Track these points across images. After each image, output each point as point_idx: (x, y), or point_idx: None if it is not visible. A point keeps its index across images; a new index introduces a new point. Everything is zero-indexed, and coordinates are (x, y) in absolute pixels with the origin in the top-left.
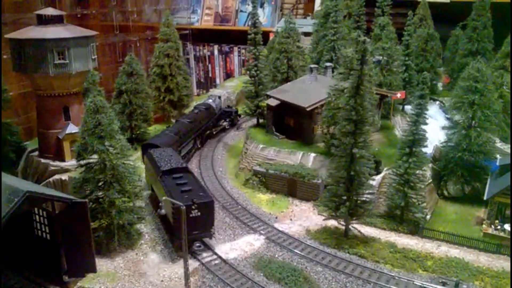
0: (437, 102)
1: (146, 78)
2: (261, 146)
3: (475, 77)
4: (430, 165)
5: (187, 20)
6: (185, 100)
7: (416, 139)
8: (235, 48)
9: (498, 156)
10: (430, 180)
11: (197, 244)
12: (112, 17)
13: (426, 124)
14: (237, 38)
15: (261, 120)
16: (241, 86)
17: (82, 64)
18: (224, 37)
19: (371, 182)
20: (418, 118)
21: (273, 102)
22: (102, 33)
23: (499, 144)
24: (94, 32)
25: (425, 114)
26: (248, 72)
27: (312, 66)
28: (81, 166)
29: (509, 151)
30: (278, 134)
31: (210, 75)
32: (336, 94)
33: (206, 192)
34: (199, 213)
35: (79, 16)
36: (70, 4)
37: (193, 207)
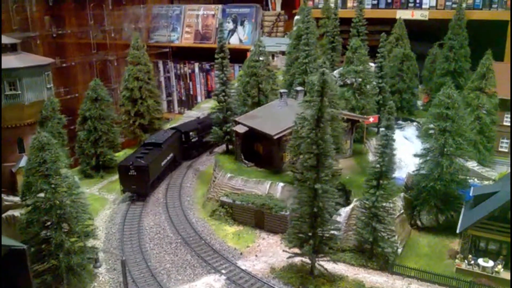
0: (415, 123)
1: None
2: (228, 175)
3: (446, 103)
4: (402, 194)
5: (167, 38)
6: (156, 123)
7: (383, 171)
8: (215, 66)
9: (472, 186)
10: (402, 211)
11: (132, 196)
12: (90, 36)
13: (394, 155)
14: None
15: (230, 146)
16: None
17: (36, 94)
18: (205, 55)
19: (340, 213)
20: (385, 150)
21: (241, 129)
22: (80, 52)
23: (477, 168)
24: (50, 60)
25: (393, 145)
26: (216, 97)
27: (282, 91)
28: (27, 206)
29: (487, 174)
30: (247, 162)
31: (191, 92)
32: (302, 123)
33: (147, 160)
34: (135, 173)
35: (54, 35)
36: (47, 23)
37: (131, 167)
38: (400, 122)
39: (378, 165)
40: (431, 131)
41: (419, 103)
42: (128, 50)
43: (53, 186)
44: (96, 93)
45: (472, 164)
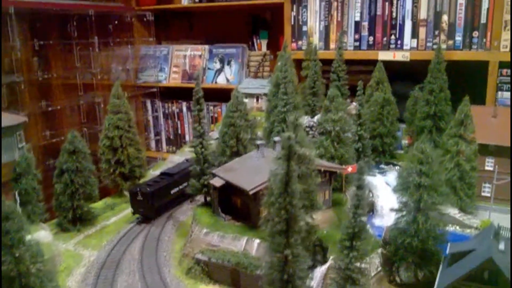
0: (397, 167)
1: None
2: (205, 230)
3: (419, 158)
4: (380, 250)
5: (154, 78)
6: (137, 171)
7: (356, 232)
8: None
9: (451, 240)
10: (380, 268)
11: (138, 218)
12: (77, 78)
13: (365, 216)
14: (205, 95)
15: (209, 198)
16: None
17: (6, 155)
18: (192, 94)
19: (316, 274)
20: (357, 210)
21: (218, 182)
22: (66, 94)
23: (458, 215)
24: (22, 119)
25: (363, 205)
26: (193, 149)
27: (259, 142)
28: None
29: (469, 222)
30: (224, 215)
31: (179, 131)
32: (275, 179)
33: (154, 186)
34: (141, 198)
35: (40, 79)
36: (36, 65)
37: (138, 193)
38: (382, 166)
39: (350, 227)
40: (406, 185)
41: (405, 142)
42: None
43: (16, 256)
44: (73, 146)
45: (453, 212)
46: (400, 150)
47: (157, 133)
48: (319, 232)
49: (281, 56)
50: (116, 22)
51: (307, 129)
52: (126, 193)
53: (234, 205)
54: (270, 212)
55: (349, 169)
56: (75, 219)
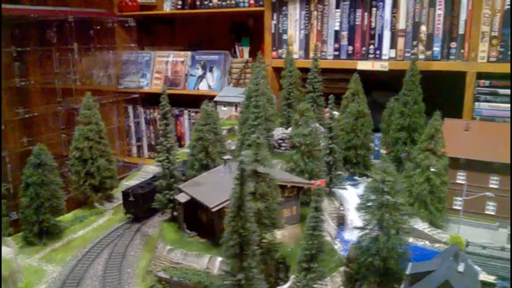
0: (370, 180)
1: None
2: (168, 247)
3: (382, 177)
4: (342, 268)
5: (136, 84)
6: (107, 183)
7: (313, 254)
8: (185, 111)
9: (414, 258)
10: (342, 287)
11: (129, 216)
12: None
13: (323, 237)
14: (187, 101)
15: (176, 213)
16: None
17: None
18: (174, 100)
19: None
20: (314, 232)
21: (183, 198)
22: (45, 100)
23: (428, 230)
24: None
25: (320, 227)
26: (159, 163)
27: (226, 157)
28: None
29: (438, 236)
30: (189, 232)
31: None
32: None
33: (146, 188)
34: (133, 199)
35: (18, 85)
36: (17, 69)
37: (130, 194)
38: (355, 178)
39: (307, 248)
40: (369, 204)
41: (383, 152)
42: (97, 96)
43: None
44: (39, 159)
45: (423, 226)
46: (378, 160)
47: (139, 139)
48: (284, 249)
49: (256, 67)
50: (97, 27)
51: (280, 141)
52: (97, 204)
53: (200, 221)
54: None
55: (318, 183)
56: (41, 233)
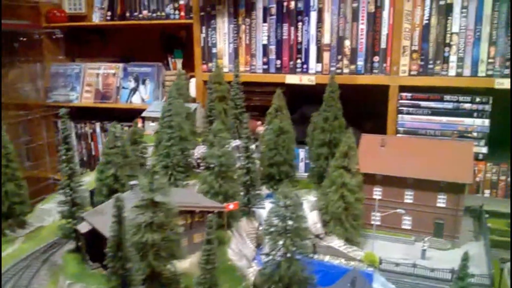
0: (272, 205)
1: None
2: (67, 281)
3: (284, 202)
4: None
5: (65, 97)
6: (17, 209)
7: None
8: (118, 126)
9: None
10: None
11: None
12: None
13: (215, 269)
14: (120, 115)
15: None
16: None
17: None
18: (106, 114)
19: None
20: (206, 266)
21: (85, 227)
22: None
23: (343, 247)
24: None
25: (214, 260)
26: (61, 191)
27: (132, 182)
28: None
29: (353, 254)
30: (91, 263)
31: (93, 153)
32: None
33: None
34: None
35: None
36: None
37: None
38: None
39: (201, 283)
40: (272, 229)
41: (312, 166)
42: (23, 111)
43: None
44: None
45: (339, 244)
46: (306, 173)
47: None
48: (190, 278)
49: (175, 85)
50: (23, 39)
51: (199, 160)
52: (7, 231)
53: (103, 252)
54: None
55: (231, 206)
56: None
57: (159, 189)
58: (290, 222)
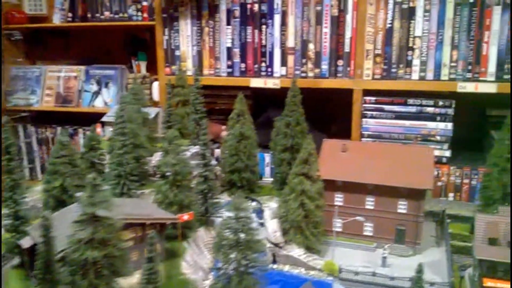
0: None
1: None
2: None
3: (235, 214)
4: None
5: (25, 101)
6: None
7: None
8: (80, 130)
9: None
10: None
11: None
12: None
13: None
14: (82, 119)
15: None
16: None
17: None
18: (67, 118)
19: None
20: (147, 286)
21: (27, 242)
22: None
23: (303, 256)
24: None
25: (156, 279)
26: (4, 203)
27: (78, 194)
28: None
29: (313, 263)
30: (36, 280)
31: None
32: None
33: None
34: None
35: None
36: None
37: None
38: None
39: None
40: (223, 242)
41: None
42: None
43: None
44: None
45: (299, 253)
46: (271, 178)
47: (31, 161)
48: None
49: (131, 89)
50: None
51: (155, 168)
52: None
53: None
54: None
55: (185, 217)
56: None
57: (101, 203)
58: (242, 235)
